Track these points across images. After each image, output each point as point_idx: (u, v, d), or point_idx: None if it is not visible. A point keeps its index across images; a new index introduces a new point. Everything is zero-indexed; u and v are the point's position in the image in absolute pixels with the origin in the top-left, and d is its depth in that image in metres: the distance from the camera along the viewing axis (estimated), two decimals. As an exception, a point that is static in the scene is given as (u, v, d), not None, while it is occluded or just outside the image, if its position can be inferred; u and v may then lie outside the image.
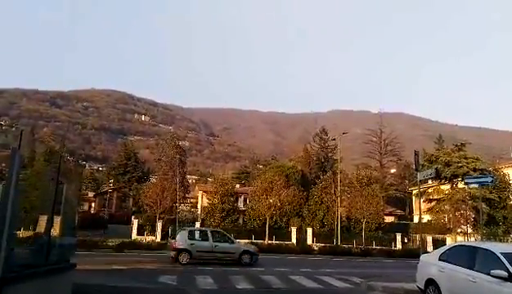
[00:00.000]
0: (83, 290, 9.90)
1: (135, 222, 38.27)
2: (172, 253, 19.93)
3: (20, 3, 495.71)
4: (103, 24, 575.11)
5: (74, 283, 8.68)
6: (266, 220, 38.04)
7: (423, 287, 10.01)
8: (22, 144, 6.26)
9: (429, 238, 38.48)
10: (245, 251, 20.62)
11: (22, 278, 5.31)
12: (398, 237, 40.78)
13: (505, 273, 7.21)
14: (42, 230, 7.43)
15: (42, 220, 7.52)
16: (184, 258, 19.29)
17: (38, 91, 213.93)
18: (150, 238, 34.82)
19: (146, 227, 37.84)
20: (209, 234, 20.73)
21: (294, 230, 39.51)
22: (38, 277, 6.07)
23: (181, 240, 19.91)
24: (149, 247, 28.21)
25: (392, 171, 76.59)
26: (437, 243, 34.56)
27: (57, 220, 7.80)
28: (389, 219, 53.25)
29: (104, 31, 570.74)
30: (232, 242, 21.20)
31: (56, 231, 7.70)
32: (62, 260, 7.89)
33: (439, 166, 39.16)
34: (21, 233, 7.89)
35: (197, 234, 21.04)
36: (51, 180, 7.72)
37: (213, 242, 20.17)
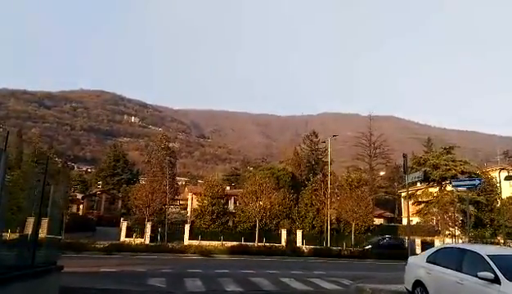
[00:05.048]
0: (71, 293, 9.79)
1: (124, 224, 37.91)
2: None
3: (6, 3, 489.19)
4: (92, 24, 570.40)
5: (60, 286, 8.58)
6: (256, 222, 37.99)
7: (411, 289, 10.06)
8: (8, 144, 6.18)
9: (418, 240, 38.75)
10: None
11: (7, 281, 5.23)
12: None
13: (491, 275, 7.28)
14: (29, 232, 7.34)
15: (30, 222, 7.44)
16: None
17: (26, 91, 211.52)
18: (139, 241, 34.56)
19: (135, 229, 37.54)
20: None
21: (283, 232, 39.52)
22: (23, 279, 5.98)
23: None
24: (138, 249, 28.03)
25: (382, 173, 77.20)
26: (426, 245, 34.82)
27: (44, 221, 7.71)
28: (378, 221, 53.61)
29: (93, 31, 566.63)
30: None
31: (42, 233, 7.61)
32: (49, 263, 7.80)
33: (428, 168, 39.38)
34: (8, 235, 7.78)
35: None
36: (37, 182, 7.63)
37: None
